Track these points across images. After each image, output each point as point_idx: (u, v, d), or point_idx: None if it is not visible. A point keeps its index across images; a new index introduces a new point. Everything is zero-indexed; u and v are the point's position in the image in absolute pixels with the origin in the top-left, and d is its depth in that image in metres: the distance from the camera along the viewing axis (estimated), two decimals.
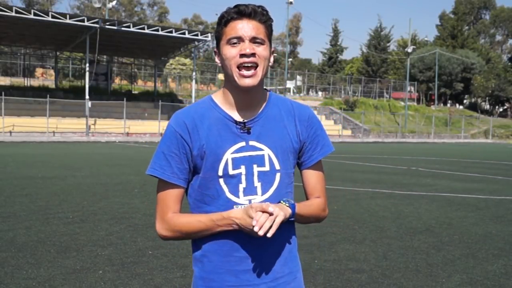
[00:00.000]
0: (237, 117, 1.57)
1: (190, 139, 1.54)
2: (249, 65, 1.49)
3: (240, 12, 1.50)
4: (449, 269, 4.69)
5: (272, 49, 1.58)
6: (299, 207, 1.56)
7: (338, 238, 5.84)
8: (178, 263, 4.63)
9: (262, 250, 1.55)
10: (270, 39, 1.56)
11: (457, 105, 70.37)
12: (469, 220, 7.18)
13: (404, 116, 52.54)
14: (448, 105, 68.16)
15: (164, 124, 33.76)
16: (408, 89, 58.72)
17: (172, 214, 1.56)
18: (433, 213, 7.69)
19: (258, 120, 1.58)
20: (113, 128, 33.83)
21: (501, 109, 71.60)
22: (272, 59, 1.58)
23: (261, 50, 1.50)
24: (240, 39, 1.49)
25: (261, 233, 1.38)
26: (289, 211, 1.49)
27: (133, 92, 44.60)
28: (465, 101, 72.83)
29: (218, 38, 1.55)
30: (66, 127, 31.98)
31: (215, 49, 1.59)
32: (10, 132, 30.15)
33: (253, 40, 1.49)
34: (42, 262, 4.57)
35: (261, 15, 1.52)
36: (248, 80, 1.49)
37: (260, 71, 1.50)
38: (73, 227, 6.05)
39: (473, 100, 71.47)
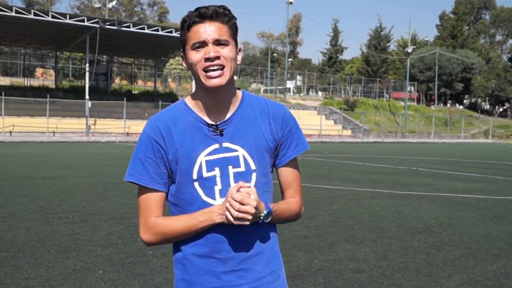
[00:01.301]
0: (209, 119, 1.57)
1: (164, 144, 1.55)
2: (215, 67, 1.49)
3: (201, 15, 1.49)
4: (449, 269, 4.69)
5: (239, 47, 1.58)
6: (276, 205, 1.57)
7: (338, 238, 5.84)
8: None
9: (243, 250, 1.55)
10: (236, 38, 1.55)
11: (457, 105, 70.39)
12: (469, 220, 7.18)
13: (404, 116, 52.55)
14: (448, 105, 68.17)
15: None
16: (408, 89, 58.73)
17: (155, 218, 1.56)
18: (433, 213, 7.69)
19: (231, 121, 1.57)
20: (113, 128, 33.84)
21: (501, 109, 71.61)
22: (239, 58, 1.57)
23: (226, 52, 1.50)
24: (203, 43, 1.49)
25: (230, 218, 1.42)
26: (264, 206, 1.48)
27: (133, 92, 44.61)
28: (465, 101, 72.85)
29: (182, 42, 1.55)
30: (66, 127, 31.98)
31: (181, 54, 1.59)
32: (10, 132, 30.16)
33: (217, 42, 1.49)
34: (42, 262, 4.57)
35: (223, 16, 1.51)
36: (215, 81, 1.49)
37: (227, 71, 1.50)
38: (73, 227, 6.05)
39: (473, 100, 71.49)
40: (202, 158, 1.54)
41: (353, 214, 7.36)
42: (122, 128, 33.84)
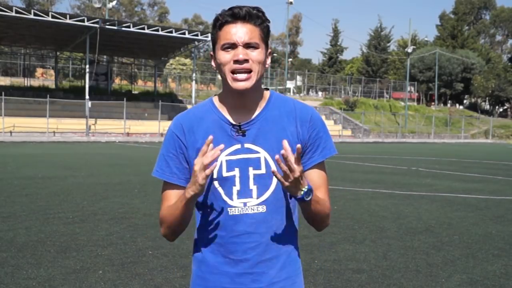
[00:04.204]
0: (234, 119, 1.57)
1: (185, 139, 1.57)
2: (243, 70, 1.48)
3: (234, 15, 1.48)
4: (449, 269, 4.69)
5: (269, 50, 1.57)
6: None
7: (338, 238, 5.84)
8: (178, 263, 4.63)
9: (258, 253, 1.54)
10: (267, 41, 1.54)
11: (457, 105, 70.38)
12: (469, 220, 7.18)
13: (404, 116, 52.54)
14: (448, 105, 68.16)
15: (164, 124, 33.79)
16: (408, 89, 58.74)
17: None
18: (433, 213, 7.69)
19: (254, 123, 1.57)
20: (113, 128, 33.83)
21: (501, 109, 71.61)
22: (269, 61, 1.57)
23: (255, 55, 1.49)
24: (233, 45, 1.48)
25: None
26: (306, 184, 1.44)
27: (133, 92, 44.61)
28: (465, 101, 72.84)
29: (213, 41, 1.55)
30: (66, 127, 31.97)
31: (211, 53, 1.59)
32: (10, 132, 30.16)
33: (247, 45, 1.48)
34: (42, 262, 4.57)
35: (256, 18, 1.50)
36: (241, 84, 1.49)
37: (254, 75, 1.50)
38: (73, 227, 6.05)
39: (473, 100, 71.48)
40: (222, 158, 1.54)
41: (353, 214, 7.36)
42: (122, 128, 33.82)
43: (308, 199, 1.46)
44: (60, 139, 29.61)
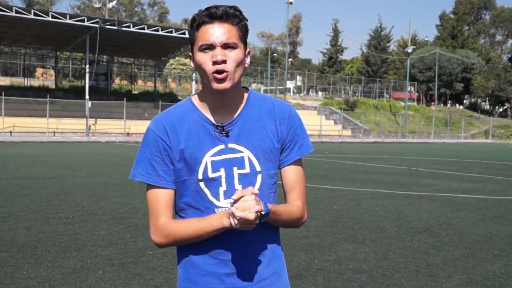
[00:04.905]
0: (215, 119, 1.56)
1: (169, 141, 1.54)
2: (222, 71, 1.47)
3: (211, 15, 1.47)
4: (449, 269, 4.69)
5: (248, 49, 1.56)
6: (275, 207, 1.52)
7: (338, 238, 5.84)
8: None
9: (244, 252, 1.55)
10: (245, 40, 1.53)
11: (457, 105, 70.38)
12: (469, 220, 7.18)
13: (404, 116, 52.53)
14: (448, 105, 68.17)
15: None
16: (408, 89, 58.72)
17: (165, 220, 1.55)
18: (433, 213, 7.69)
19: (236, 122, 1.56)
20: (113, 128, 33.83)
21: (501, 109, 71.60)
22: (248, 61, 1.56)
23: (234, 55, 1.48)
24: (211, 46, 1.47)
25: (233, 224, 1.39)
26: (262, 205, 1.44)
27: (133, 92, 44.62)
28: (465, 101, 72.84)
29: (191, 42, 1.53)
30: (66, 127, 31.98)
31: (190, 53, 1.57)
32: (10, 132, 30.16)
33: (225, 45, 1.47)
34: (42, 262, 4.57)
35: (233, 17, 1.49)
36: (221, 84, 1.48)
37: (233, 75, 1.49)
38: (73, 227, 6.05)
39: (473, 100, 71.48)
40: (207, 159, 1.53)
41: (353, 214, 7.36)
42: (122, 128, 33.83)
43: (264, 220, 1.46)
44: (60, 139, 29.61)
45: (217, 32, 1.47)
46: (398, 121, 53.21)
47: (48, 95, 32.02)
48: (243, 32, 1.52)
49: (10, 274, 4.23)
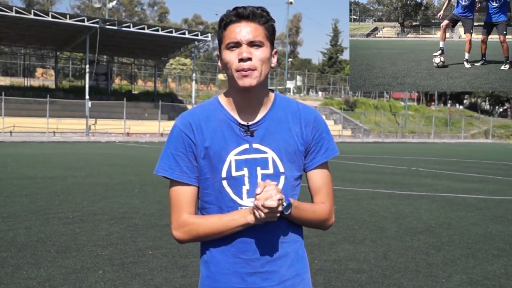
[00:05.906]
0: (241, 118, 1.58)
1: (195, 138, 1.57)
2: (248, 68, 1.50)
3: (238, 15, 1.51)
4: (449, 269, 4.69)
5: (275, 49, 1.59)
6: (298, 202, 1.55)
7: (338, 238, 5.84)
8: (178, 263, 4.62)
9: (268, 252, 1.56)
10: (272, 40, 1.56)
11: (457, 105, 70.39)
12: (469, 220, 7.18)
13: (404, 116, 52.55)
14: (448, 105, 68.17)
15: (164, 124, 33.79)
16: None
17: (187, 216, 1.57)
18: (433, 213, 7.69)
19: (262, 123, 1.59)
20: (113, 128, 33.83)
21: (501, 109, 71.61)
22: (274, 60, 1.59)
23: (259, 53, 1.51)
24: (238, 44, 1.50)
25: (258, 215, 1.42)
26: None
27: (133, 92, 44.61)
28: (465, 101, 72.84)
29: (219, 41, 1.57)
30: (66, 127, 31.98)
31: (217, 53, 1.60)
32: (10, 132, 30.16)
33: (251, 43, 1.50)
34: (42, 262, 4.57)
35: (260, 17, 1.52)
36: (246, 81, 1.50)
37: (258, 72, 1.51)
38: (73, 227, 6.05)
39: (473, 100, 71.47)
40: (231, 157, 1.55)
41: (353, 214, 7.36)
42: (122, 128, 33.82)
43: (288, 212, 1.48)
44: (60, 139, 29.61)
45: (243, 30, 1.50)
46: (398, 121, 53.21)
47: (48, 95, 32.03)
48: (270, 32, 1.55)
49: (10, 274, 4.23)
